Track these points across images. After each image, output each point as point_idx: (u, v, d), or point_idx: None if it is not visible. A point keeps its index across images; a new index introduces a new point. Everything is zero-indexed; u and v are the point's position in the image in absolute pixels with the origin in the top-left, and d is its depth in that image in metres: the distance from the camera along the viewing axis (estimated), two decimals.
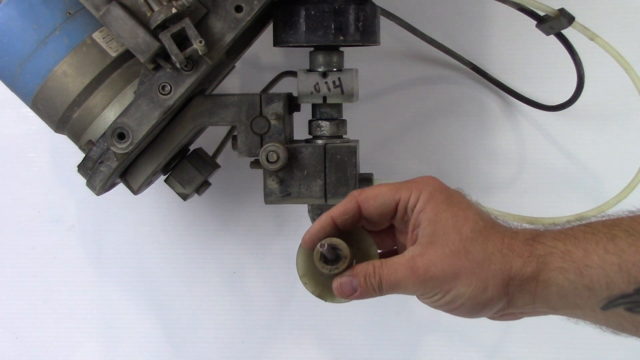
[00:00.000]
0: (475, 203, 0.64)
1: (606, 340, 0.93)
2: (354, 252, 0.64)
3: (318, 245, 0.62)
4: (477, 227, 0.61)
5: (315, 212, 0.78)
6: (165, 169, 0.82)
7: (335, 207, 0.64)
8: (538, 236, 0.61)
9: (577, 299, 0.59)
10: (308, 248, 0.64)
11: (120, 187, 0.82)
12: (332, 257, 0.63)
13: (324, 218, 0.64)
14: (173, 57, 0.69)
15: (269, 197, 0.76)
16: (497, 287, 0.60)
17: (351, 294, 0.63)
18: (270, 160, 0.74)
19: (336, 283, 0.63)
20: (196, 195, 0.84)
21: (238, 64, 0.88)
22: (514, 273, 0.60)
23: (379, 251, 0.66)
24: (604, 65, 0.83)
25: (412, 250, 0.62)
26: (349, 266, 0.63)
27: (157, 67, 0.71)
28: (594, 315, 0.60)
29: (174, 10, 0.68)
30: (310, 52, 0.77)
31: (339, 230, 0.64)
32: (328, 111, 0.77)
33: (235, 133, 0.75)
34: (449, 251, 0.61)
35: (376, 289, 0.62)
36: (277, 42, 0.76)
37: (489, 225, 0.62)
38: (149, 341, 0.98)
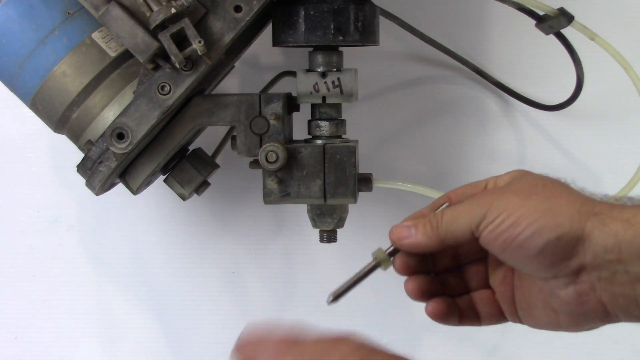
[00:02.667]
0: None
1: (606, 341, 0.94)
2: None
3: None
4: (557, 179, 0.60)
5: (315, 212, 0.78)
6: (164, 169, 0.82)
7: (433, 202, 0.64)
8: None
9: None
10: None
11: (120, 187, 0.82)
12: None
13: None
14: (172, 57, 0.69)
15: (268, 197, 0.76)
16: (573, 215, 0.55)
17: (406, 238, 0.61)
18: (270, 160, 0.74)
19: (393, 229, 0.62)
20: (195, 195, 0.84)
21: (237, 64, 0.88)
22: (597, 210, 0.56)
23: None
24: (603, 65, 0.83)
25: None
26: None
27: (157, 67, 0.71)
28: None
29: (173, 10, 0.68)
30: (310, 52, 0.77)
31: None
32: (327, 111, 0.77)
33: (235, 133, 0.75)
34: (526, 183, 0.59)
35: (434, 227, 0.60)
36: (277, 42, 0.76)
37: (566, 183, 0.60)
38: (149, 341, 0.98)
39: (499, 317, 0.66)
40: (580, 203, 0.57)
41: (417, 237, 0.61)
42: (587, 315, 0.58)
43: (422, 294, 0.64)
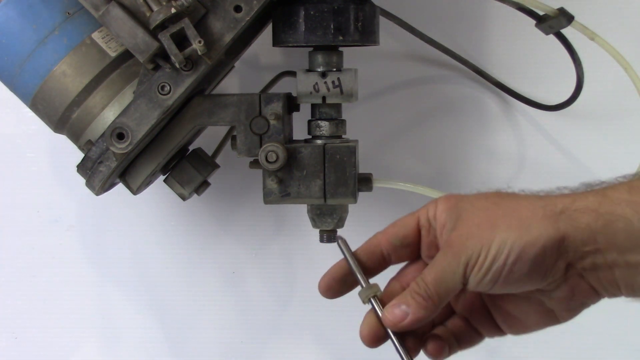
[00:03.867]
0: None
1: (606, 341, 0.94)
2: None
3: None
4: (503, 193, 0.59)
5: (315, 212, 0.78)
6: (164, 169, 0.82)
7: (360, 247, 0.63)
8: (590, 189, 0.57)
9: None
10: (327, 294, 0.63)
11: (120, 187, 0.82)
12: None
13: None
14: (172, 57, 0.69)
15: (268, 197, 0.76)
16: (540, 222, 0.55)
17: (403, 319, 0.58)
18: (270, 160, 0.74)
19: (385, 316, 0.59)
20: (195, 195, 0.84)
21: (237, 64, 0.88)
22: (561, 208, 0.55)
23: None
24: (603, 65, 0.83)
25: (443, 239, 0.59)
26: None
27: (157, 67, 0.71)
28: None
29: (173, 10, 0.68)
30: (310, 52, 0.77)
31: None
32: (327, 111, 0.77)
33: (235, 133, 0.75)
34: (478, 211, 0.57)
35: (426, 296, 0.57)
36: (277, 42, 0.76)
37: (512, 192, 0.59)
38: (149, 341, 0.98)
39: (478, 338, 0.65)
40: (542, 207, 0.56)
41: (415, 313, 0.58)
42: (583, 302, 0.59)
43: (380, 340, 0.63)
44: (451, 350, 0.64)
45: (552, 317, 0.61)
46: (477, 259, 0.56)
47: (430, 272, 0.58)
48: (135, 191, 0.79)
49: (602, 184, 0.59)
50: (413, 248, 0.63)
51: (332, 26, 0.73)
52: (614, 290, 0.58)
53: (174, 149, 0.76)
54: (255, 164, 0.76)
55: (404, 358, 0.60)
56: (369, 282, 0.63)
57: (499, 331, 0.65)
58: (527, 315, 0.62)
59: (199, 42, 0.68)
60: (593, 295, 0.59)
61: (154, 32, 0.68)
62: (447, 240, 0.59)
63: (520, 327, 0.63)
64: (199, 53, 0.69)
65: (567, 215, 0.56)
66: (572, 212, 0.55)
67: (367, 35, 0.75)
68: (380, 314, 0.61)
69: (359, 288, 0.64)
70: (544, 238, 0.55)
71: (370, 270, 0.64)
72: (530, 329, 0.63)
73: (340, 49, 0.77)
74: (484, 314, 0.64)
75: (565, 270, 0.57)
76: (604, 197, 0.56)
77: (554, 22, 0.78)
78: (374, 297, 0.62)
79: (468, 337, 0.65)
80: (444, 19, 0.92)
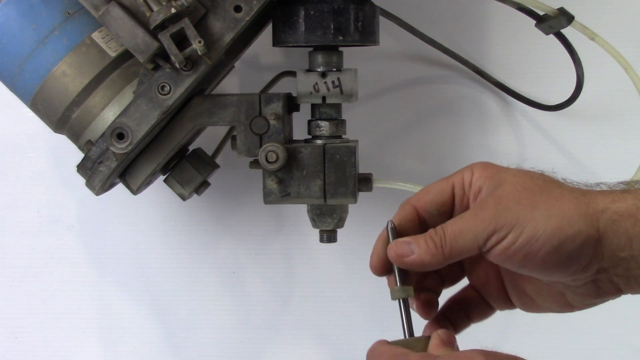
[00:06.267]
0: None
1: (606, 341, 0.94)
2: None
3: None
4: (547, 177, 0.57)
5: (315, 212, 0.78)
6: (164, 169, 0.82)
7: (394, 217, 0.60)
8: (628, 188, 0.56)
9: None
10: (378, 271, 0.61)
11: (120, 187, 0.82)
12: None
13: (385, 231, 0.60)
14: (172, 57, 0.69)
15: (268, 197, 0.76)
16: (583, 218, 0.53)
17: (407, 255, 0.57)
18: (270, 160, 0.74)
19: (391, 246, 0.58)
20: (195, 195, 0.84)
21: (237, 64, 0.88)
22: (602, 207, 0.54)
23: None
24: (603, 65, 0.83)
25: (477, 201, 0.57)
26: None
27: (157, 67, 0.71)
28: None
29: (173, 10, 0.68)
30: (310, 52, 0.77)
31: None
32: (327, 111, 0.77)
33: (235, 133, 0.75)
34: (520, 188, 0.55)
35: (438, 245, 0.56)
36: (277, 42, 0.76)
37: (556, 179, 0.57)
38: (149, 341, 0.98)
39: (489, 310, 0.65)
40: (585, 203, 0.55)
41: (420, 255, 0.57)
42: (603, 297, 0.58)
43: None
44: (463, 325, 0.64)
45: (567, 306, 0.61)
46: (507, 235, 0.54)
47: (454, 225, 0.56)
48: (135, 191, 0.79)
49: (638, 184, 0.58)
50: (449, 215, 0.61)
51: (332, 26, 0.73)
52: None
53: (174, 149, 0.76)
54: (255, 164, 0.76)
55: (398, 281, 0.60)
56: None
57: (509, 305, 0.64)
58: (543, 299, 0.61)
59: (199, 42, 0.68)
60: (617, 293, 0.58)
61: (154, 32, 0.68)
62: (481, 201, 0.57)
63: (533, 307, 0.62)
64: (199, 53, 0.69)
65: (607, 216, 0.54)
66: (612, 214, 0.54)
67: (367, 35, 0.75)
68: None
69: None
70: (584, 235, 0.54)
71: None
72: (543, 311, 0.62)
73: (340, 49, 0.77)
74: (497, 286, 0.63)
75: (596, 272, 0.56)
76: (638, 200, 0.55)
77: (554, 22, 0.78)
78: (392, 227, 0.60)
79: (478, 310, 0.64)
80: (444, 19, 0.92)
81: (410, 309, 0.61)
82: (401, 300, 0.61)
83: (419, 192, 0.62)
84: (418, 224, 0.61)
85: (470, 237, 0.56)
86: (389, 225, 0.61)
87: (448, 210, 0.61)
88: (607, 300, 0.59)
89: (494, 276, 0.63)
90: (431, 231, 0.57)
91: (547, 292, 0.61)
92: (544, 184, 0.56)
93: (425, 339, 0.59)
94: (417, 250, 0.57)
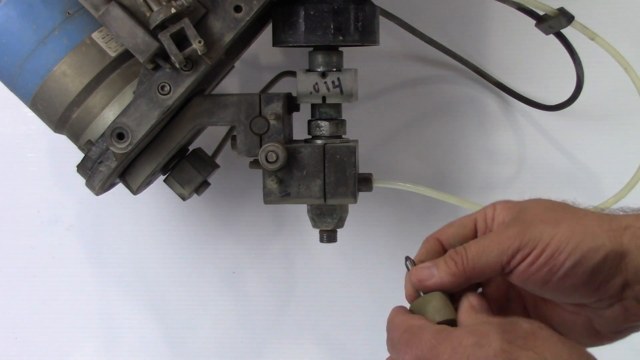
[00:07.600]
0: None
1: None
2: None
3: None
4: (568, 204, 0.57)
5: (315, 212, 0.78)
6: (164, 169, 0.82)
7: (418, 251, 0.60)
8: None
9: None
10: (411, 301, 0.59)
11: (120, 187, 0.82)
12: None
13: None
14: (172, 57, 0.69)
15: (268, 197, 0.76)
16: (606, 233, 0.53)
17: (428, 279, 0.56)
18: (270, 160, 0.74)
19: (412, 272, 0.57)
20: (195, 195, 0.84)
21: (237, 64, 0.88)
22: (626, 224, 0.54)
23: None
24: (603, 65, 0.83)
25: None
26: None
27: (157, 67, 0.71)
28: None
29: (173, 10, 0.68)
30: (310, 52, 0.77)
31: None
32: (327, 111, 0.77)
33: (235, 133, 0.75)
34: (543, 208, 0.55)
35: (459, 265, 0.55)
36: (277, 42, 0.76)
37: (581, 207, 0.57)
38: (149, 341, 0.98)
39: None
40: (609, 220, 0.55)
41: (441, 276, 0.56)
42: (632, 322, 0.57)
43: None
44: None
45: (595, 335, 0.59)
46: (532, 251, 0.54)
47: (477, 243, 0.56)
48: (135, 191, 0.79)
49: None
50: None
51: (332, 26, 0.73)
52: None
53: (174, 149, 0.76)
54: (255, 164, 0.76)
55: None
56: None
57: None
58: (569, 330, 0.59)
59: (199, 42, 0.68)
60: None
61: (154, 32, 0.68)
62: (505, 223, 0.56)
63: None
64: (199, 53, 0.69)
65: (631, 232, 0.54)
66: (636, 230, 0.54)
67: (367, 35, 0.75)
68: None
69: None
70: (608, 248, 0.53)
71: None
72: None
73: (340, 49, 0.77)
74: (520, 313, 0.61)
75: (621, 289, 0.55)
76: None
77: (554, 22, 0.78)
78: (409, 259, 0.60)
79: None
80: (444, 19, 0.92)
81: None
82: (407, 262, 0.60)
83: (442, 227, 0.61)
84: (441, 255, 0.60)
85: (495, 254, 0.55)
86: (407, 261, 0.60)
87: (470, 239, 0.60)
88: (637, 325, 0.58)
89: (519, 309, 0.62)
90: (451, 251, 0.57)
91: (571, 322, 0.59)
92: (565, 206, 0.57)
93: (440, 294, 0.57)
94: (436, 272, 0.57)
